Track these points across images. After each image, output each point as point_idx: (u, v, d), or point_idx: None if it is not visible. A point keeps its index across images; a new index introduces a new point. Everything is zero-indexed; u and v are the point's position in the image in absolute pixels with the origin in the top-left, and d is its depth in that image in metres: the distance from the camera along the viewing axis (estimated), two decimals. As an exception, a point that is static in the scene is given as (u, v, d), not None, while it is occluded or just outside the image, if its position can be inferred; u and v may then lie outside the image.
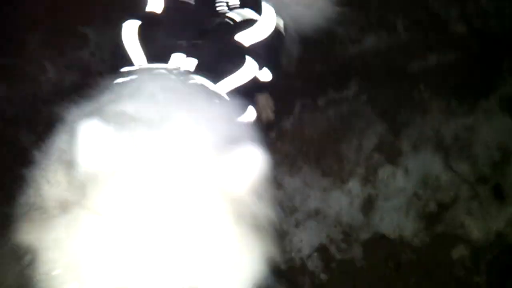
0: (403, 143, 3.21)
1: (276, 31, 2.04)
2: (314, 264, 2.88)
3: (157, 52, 1.75)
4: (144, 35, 1.79)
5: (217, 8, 1.92)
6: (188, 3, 1.92)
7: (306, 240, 2.93)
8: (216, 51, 1.84)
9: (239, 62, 1.86)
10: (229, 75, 1.82)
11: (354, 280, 2.85)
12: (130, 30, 1.80)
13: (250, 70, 1.89)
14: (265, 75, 1.98)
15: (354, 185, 3.08)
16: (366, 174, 3.12)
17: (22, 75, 3.31)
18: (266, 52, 1.97)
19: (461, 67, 3.48)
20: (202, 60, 1.71)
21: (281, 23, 2.10)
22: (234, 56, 1.89)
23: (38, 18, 3.46)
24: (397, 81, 3.42)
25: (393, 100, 3.35)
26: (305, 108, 3.23)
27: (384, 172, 3.12)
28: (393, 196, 3.06)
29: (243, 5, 1.96)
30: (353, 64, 3.45)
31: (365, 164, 3.15)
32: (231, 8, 1.94)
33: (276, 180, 3.05)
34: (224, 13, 1.94)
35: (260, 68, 1.93)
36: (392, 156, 3.17)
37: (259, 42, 1.94)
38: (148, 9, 1.86)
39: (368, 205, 3.04)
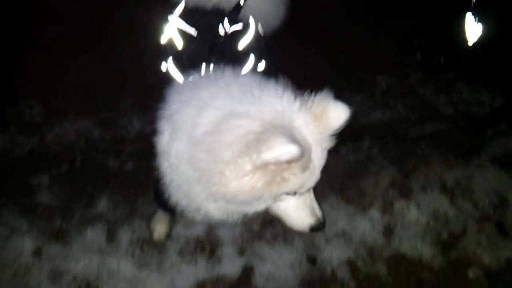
0: (413, 183, 3.40)
1: (258, 34, 2.50)
2: (343, 274, 2.94)
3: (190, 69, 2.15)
4: (180, 63, 2.25)
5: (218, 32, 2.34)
6: (193, 35, 2.34)
7: (335, 254, 3.02)
8: (230, 56, 2.25)
9: (246, 60, 2.30)
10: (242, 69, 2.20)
11: (381, 293, 2.88)
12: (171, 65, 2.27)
13: (253, 63, 2.31)
14: (262, 65, 2.41)
15: (374, 213, 3.22)
16: (384, 205, 3.27)
17: (114, 124, 3.84)
18: (257, 50, 2.40)
19: (452, 134, 3.86)
20: (223, 65, 2.07)
21: (260, 28, 2.56)
22: (242, 57, 2.32)
23: (129, 89, 4.09)
24: (401, 141, 3.76)
25: (400, 153, 3.64)
26: (330, 154, 3.47)
27: (399, 204, 3.28)
28: (409, 225, 3.19)
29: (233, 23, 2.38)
30: (365, 129, 3.84)
31: (382, 197, 3.31)
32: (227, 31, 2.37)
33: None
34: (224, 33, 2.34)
35: (259, 61, 2.38)
36: (405, 192, 3.35)
37: (251, 45, 2.39)
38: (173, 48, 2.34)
39: (388, 231, 3.14)
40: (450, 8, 4.34)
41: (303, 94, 1.73)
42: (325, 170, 3.37)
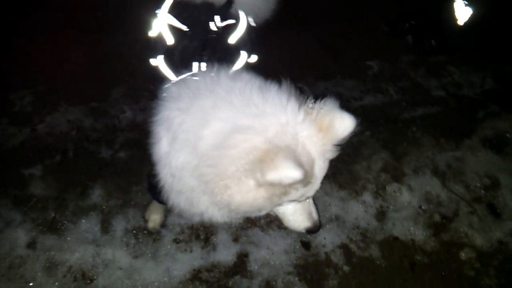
0: (404, 167, 3.42)
1: (250, 26, 2.43)
2: (337, 258, 2.96)
3: (182, 66, 2.12)
4: (171, 61, 2.21)
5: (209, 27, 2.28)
6: (184, 30, 2.27)
7: (329, 238, 3.02)
8: (221, 52, 2.22)
9: (238, 55, 2.27)
10: (234, 64, 2.20)
11: (374, 275, 2.89)
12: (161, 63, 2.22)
13: (244, 58, 2.27)
14: (253, 59, 2.36)
15: (367, 197, 3.23)
16: (376, 189, 3.28)
17: (106, 114, 3.78)
18: (248, 43, 2.36)
19: (443, 116, 3.87)
20: (215, 60, 2.06)
21: (251, 20, 2.48)
22: (233, 51, 2.28)
23: (120, 78, 4.02)
24: (393, 124, 3.75)
25: (392, 136, 3.64)
26: None
27: (392, 188, 3.30)
28: (401, 208, 3.19)
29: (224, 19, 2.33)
30: (357, 113, 3.81)
31: (375, 181, 3.32)
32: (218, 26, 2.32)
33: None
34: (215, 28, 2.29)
35: (249, 55, 2.33)
36: (397, 176, 3.36)
37: (243, 38, 2.34)
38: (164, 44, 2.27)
39: (380, 214, 3.15)
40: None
41: (307, 101, 1.67)
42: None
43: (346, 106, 3.80)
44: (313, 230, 1.93)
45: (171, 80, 2.09)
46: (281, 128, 1.56)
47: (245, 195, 1.56)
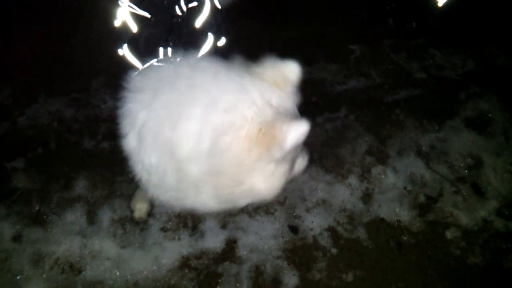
0: (389, 149, 3.45)
1: (215, 8, 2.42)
2: (325, 240, 2.98)
3: (147, 53, 2.15)
4: (135, 49, 2.23)
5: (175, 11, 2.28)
6: (147, 18, 2.27)
7: (316, 222, 3.04)
8: (188, 37, 2.26)
9: (204, 38, 2.29)
10: (201, 48, 2.23)
11: (362, 257, 2.92)
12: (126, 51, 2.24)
13: (212, 42, 2.30)
14: (222, 41, 2.38)
15: (353, 180, 3.25)
16: (361, 171, 3.30)
17: (87, 104, 3.73)
18: (216, 26, 2.38)
19: (426, 98, 3.89)
20: (181, 45, 2.13)
21: (216, 2, 2.45)
22: (201, 36, 2.30)
23: (99, 68, 3.95)
24: (377, 107, 3.77)
25: (375, 119, 3.66)
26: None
27: (376, 170, 3.32)
28: (386, 190, 3.22)
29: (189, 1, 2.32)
30: (341, 97, 3.83)
31: (360, 164, 3.35)
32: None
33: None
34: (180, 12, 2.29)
35: (218, 38, 2.36)
36: (381, 158, 3.39)
37: (209, 21, 2.34)
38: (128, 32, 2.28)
39: (366, 197, 3.17)
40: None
41: (254, 68, 1.78)
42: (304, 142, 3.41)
43: (330, 90, 3.89)
44: None
45: (138, 69, 2.06)
46: (253, 106, 1.60)
47: (269, 179, 1.66)
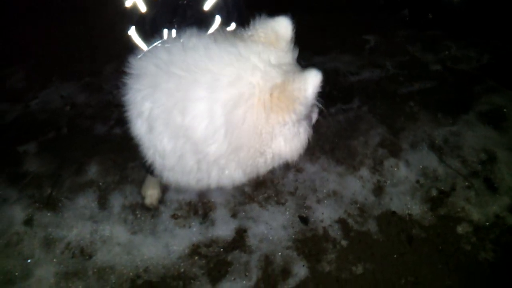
0: (402, 142, 3.41)
1: None
2: (335, 232, 2.97)
3: (152, 35, 2.09)
4: (142, 30, 2.20)
5: None
6: None
7: (327, 213, 3.04)
8: (194, 19, 2.19)
9: (212, 21, 2.24)
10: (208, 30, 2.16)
11: (372, 250, 2.90)
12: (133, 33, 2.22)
13: (218, 23, 2.25)
14: (231, 27, 2.31)
15: (364, 172, 3.23)
16: (374, 164, 3.27)
17: (100, 89, 3.73)
18: (225, 10, 2.31)
19: (440, 91, 3.84)
20: (186, 27, 2.08)
21: None
22: (208, 19, 2.25)
23: (112, 53, 3.90)
24: (390, 99, 3.73)
25: (389, 111, 3.62)
26: (320, 114, 3.50)
27: (389, 163, 3.29)
28: (398, 183, 3.20)
29: None
30: (354, 88, 3.80)
31: (372, 156, 3.31)
32: None
33: (298, 165, 3.27)
34: None
35: (227, 22, 2.29)
36: (394, 151, 3.35)
37: (218, 4, 2.27)
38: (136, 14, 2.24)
39: (378, 189, 3.15)
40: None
41: (246, 33, 1.79)
42: (316, 131, 3.37)
43: (343, 80, 3.85)
44: None
45: (141, 51, 2.03)
46: (257, 71, 1.58)
47: (292, 140, 1.68)
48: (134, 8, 2.25)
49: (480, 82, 3.95)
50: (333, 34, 4.38)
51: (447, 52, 4.27)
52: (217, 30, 2.17)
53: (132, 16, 2.25)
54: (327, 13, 4.58)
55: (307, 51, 3.91)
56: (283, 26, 1.75)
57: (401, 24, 4.58)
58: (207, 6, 2.27)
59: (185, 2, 2.24)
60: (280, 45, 1.73)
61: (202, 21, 2.19)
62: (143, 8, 2.22)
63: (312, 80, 1.48)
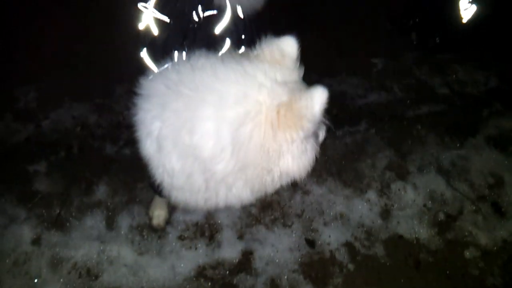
0: (409, 165, 3.39)
1: (237, 17, 2.39)
2: (342, 256, 2.93)
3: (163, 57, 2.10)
4: (153, 52, 2.22)
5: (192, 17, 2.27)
6: (166, 22, 2.27)
7: (334, 236, 3.00)
8: (205, 41, 2.19)
9: (222, 44, 2.24)
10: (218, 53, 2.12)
11: (379, 274, 2.87)
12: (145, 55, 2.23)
13: (228, 46, 2.25)
14: (241, 50, 2.29)
15: (372, 195, 3.21)
16: (381, 187, 3.25)
17: (111, 110, 3.76)
18: (236, 33, 2.34)
19: (448, 114, 3.83)
20: (196, 49, 2.10)
21: (239, 11, 2.42)
22: (218, 42, 2.25)
23: (124, 74, 3.95)
24: (398, 122, 3.72)
25: (396, 134, 3.61)
26: (327, 137, 3.50)
27: (396, 186, 3.27)
28: (406, 206, 3.17)
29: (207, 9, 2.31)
30: (362, 110, 3.80)
31: (379, 179, 3.30)
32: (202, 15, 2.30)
33: (305, 188, 3.26)
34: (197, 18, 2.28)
35: (238, 46, 2.29)
36: (401, 174, 3.33)
37: (228, 28, 2.31)
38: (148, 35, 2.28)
39: (385, 213, 3.12)
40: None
41: (252, 51, 1.80)
42: (323, 153, 3.36)
43: (350, 103, 3.85)
44: None
45: (152, 72, 2.06)
46: (263, 88, 1.58)
47: (299, 158, 1.66)
48: (147, 30, 2.29)
49: (488, 105, 3.94)
50: (340, 56, 4.39)
51: (454, 75, 4.26)
52: (226, 52, 2.21)
53: (145, 38, 2.29)
54: (334, 36, 4.60)
55: (314, 73, 3.90)
56: (289, 45, 1.76)
57: (408, 47, 4.59)
58: (218, 30, 2.30)
59: (195, 25, 2.28)
60: (286, 63, 1.75)
61: (212, 44, 2.21)
62: (155, 31, 2.26)
63: (319, 97, 1.49)
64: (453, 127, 3.71)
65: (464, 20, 4.17)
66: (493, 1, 4.12)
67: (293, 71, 1.76)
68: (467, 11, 4.16)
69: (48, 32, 4.31)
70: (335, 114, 3.74)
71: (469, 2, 4.12)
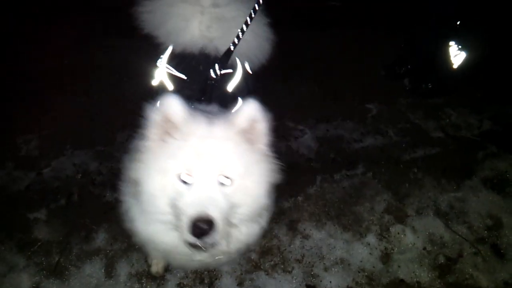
0: (407, 208, 3.37)
1: (246, 74, 2.57)
2: (343, 302, 2.85)
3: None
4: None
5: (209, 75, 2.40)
6: (183, 79, 2.41)
7: (335, 282, 2.94)
8: (218, 99, 2.32)
9: (234, 101, 2.37)
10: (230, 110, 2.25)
11: (383, 320, 2.79)
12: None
13: (240, 104, 2.29)
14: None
15: (371, 239, 3.17)
16: (380, 230, 3.22)
17: (111, 157, 3.76)
18: (245, 90, 2.50)
19: (443, 157, 3.85)
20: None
21: (247, 67, 2.62)
22: (231, 99, 2.39)
23: (125, 122, 3.97)
24: (394, 165, 3.73)
25: (393, 178, 3.61)
26: (324, 180, 3.48)
27: (395, 229, 3.24)
28: (406, 250, 3.13)
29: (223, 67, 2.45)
30: (358, 154, 3.81)
31: (378, 223, 3.27)
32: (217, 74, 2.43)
33: (305, 232, 3.22)
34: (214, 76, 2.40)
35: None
36: (400, 217, 3.31)
37: (240, 85, 2.47)
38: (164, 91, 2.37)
39: (385, 257, 3.07)
40: (434, 35, 4.36)
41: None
42: (321, 197, 3.35)
43: (347, 147, 3.87)
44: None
45: None
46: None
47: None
48: (162, 86, 2.36)
49: (482, 148, 3.96)
50: (337, 102, 4.44)
51: (448, 119, 4.31)
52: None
53: (158, 93, 2.34)
54: (329, 82, 4.68)
55: (311, 118, 3.97)
56: (252, 112, 1.77)
57: (402, 93, 4.66)
58: (230, 87, 2.39)
59: (213, 82, 2.34)
60: (253, 132, 1.80)
61: (225, 101, 2.30)
62: (170, 87, 2.33)
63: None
64: (449, 170, 3.71)
65: (455, 66, 4.26)
66: (481, 47, 4.21)
67: (258, 140, 1.81)
68: (457, 57, 4.26)
69: (49, 81, 4.40)
70: (333, 157, 3.76)
71: (458, 49, 4.22)
